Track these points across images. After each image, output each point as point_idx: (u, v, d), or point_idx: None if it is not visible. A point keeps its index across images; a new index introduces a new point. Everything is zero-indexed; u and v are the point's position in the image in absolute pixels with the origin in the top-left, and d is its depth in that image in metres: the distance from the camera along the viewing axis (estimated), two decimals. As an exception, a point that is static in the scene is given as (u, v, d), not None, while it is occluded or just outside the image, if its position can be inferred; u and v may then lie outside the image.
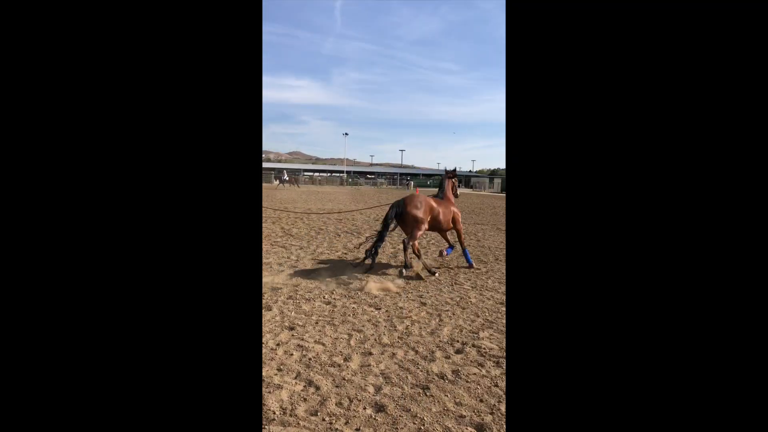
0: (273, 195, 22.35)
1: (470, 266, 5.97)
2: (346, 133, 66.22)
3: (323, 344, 3.17)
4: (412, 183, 49.34)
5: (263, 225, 10.04)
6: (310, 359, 2.91)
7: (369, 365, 2.85)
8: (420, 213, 5.25)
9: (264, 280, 4.93)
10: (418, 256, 5.36)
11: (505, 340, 3.36)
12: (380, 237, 5.32)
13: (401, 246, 6.86)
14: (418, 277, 5.19)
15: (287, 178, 34.86)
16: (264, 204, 15.45)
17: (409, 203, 5.33)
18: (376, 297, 4.42)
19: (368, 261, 5.44)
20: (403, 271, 5.21)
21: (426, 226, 5.36)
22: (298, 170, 70.35)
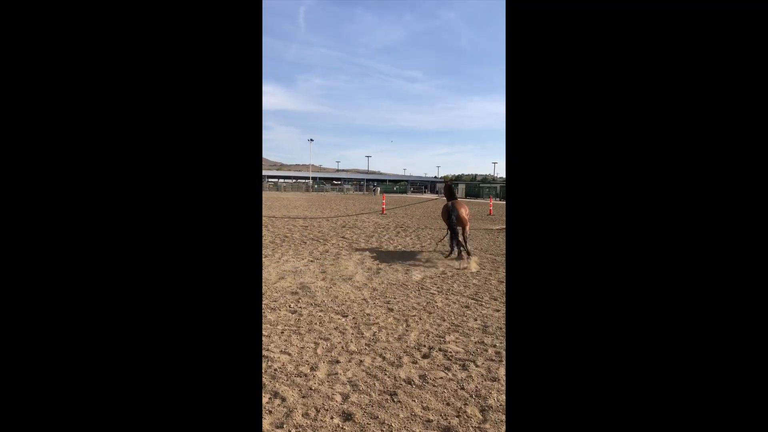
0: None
1: (466, 252, 7.07)
2: (311, 139, 65.79)
3: (289, 354, 3.12)
4: (379, 189, 49.60)
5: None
6: (275, 370, 2.85)
7: (336, 373, 2.83)
8: (466, 214, 6.95)
9: (226, 290, 4.80)
10: (465, 246, 6.94)
11: (469, 343, 3.43)
12: (454, 232, 6.85)
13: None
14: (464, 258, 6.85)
15: None
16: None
17: (459, 208, 6.90)
18: (343, 305, 4.40)
19: (456, 252, 7.09)
20: (461, 257, 6.86)
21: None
22: (264, 176, 69.07)
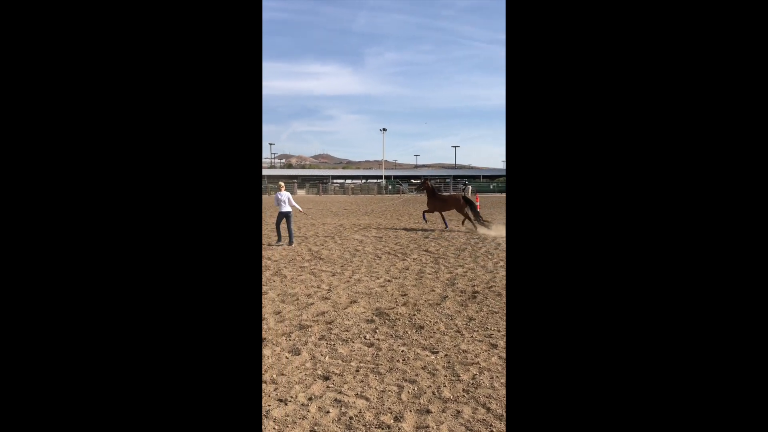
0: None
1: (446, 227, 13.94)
2: (384, 129, 66.97)
3: (367, 399, 3.15)
4: (470, 187, 49.02)
5: (285, 246, 10.26)
6: (351, 418, 2.89)
7: (427, 427, 2.79)
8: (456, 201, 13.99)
9: (289, 315, 5.01)
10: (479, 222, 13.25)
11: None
12: (475, 212, 13.41)
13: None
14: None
15: None
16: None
17: (466, 196, 14.02)
18: (431, 338, 4.36)
19: (484, 224, 13.11)
20: (482, 227, 12.99)
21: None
22: (326, 176, 71.85)
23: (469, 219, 13.30)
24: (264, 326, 4.65)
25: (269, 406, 3.03)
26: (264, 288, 6.31)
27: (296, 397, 3.16)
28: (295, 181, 61.49)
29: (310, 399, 3.14)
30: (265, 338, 4.30)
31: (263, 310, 5.24)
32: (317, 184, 60.88)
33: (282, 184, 11.07)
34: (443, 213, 14.38)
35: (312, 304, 5.50)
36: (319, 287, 6.35)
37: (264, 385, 3.33)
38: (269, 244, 10.52)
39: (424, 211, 14.87)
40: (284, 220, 10.40)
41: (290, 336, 4.38)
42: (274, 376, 3.50)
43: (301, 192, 55.85)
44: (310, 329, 4.57)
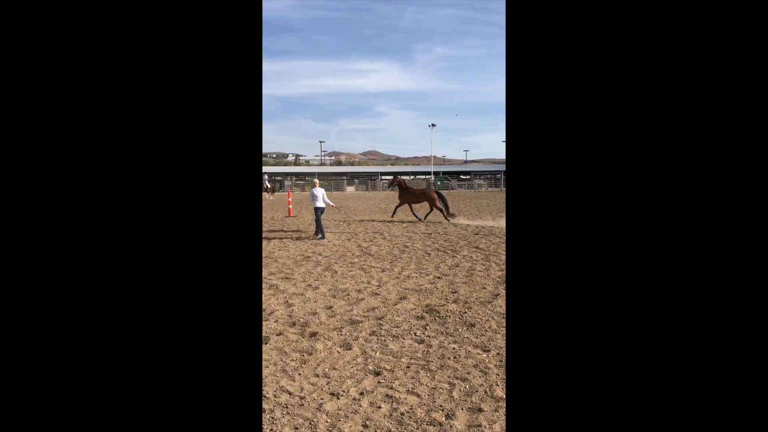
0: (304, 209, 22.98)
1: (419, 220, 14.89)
2: (433, 124, 66.52)
3: (418, 395, 3.15)
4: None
5: (335, 242, 10.41)
6: (402, 415, 2.90)
7: (479, 425, 2.76)
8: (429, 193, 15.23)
9: (340, 310, 5.08)
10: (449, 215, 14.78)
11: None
12: (446, 204, 14.82)
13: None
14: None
15: (268, 185, 32.84)
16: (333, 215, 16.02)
17: (430, 193, 15.19)
18: (482, 336, 4.31)
19: (451, 216, 14.84)
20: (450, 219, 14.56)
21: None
22: (375, 173, 72.12)
23: (441, 211, 14.80)
24: (316, 320, 4.74)
25: (322, 399, 3.09)
26: (315, 283, 6.43)
27: (348, 392, 3.20)
28: (344, 177, 62.12)
29: (361, 394, 3.17)
30: (317, 332, 4.39)
31: (315, 304, 5.35)
32: (366, 180, 61.29)
33: (317, 181, 11.80)
34: (413, 205, 15.82)
35: (362, 299, 5.55)
36: (369, 283, 6.40)
37: (316, 379, 3.40)
38: (311, 239, 10.70)
39: (396, 206, 16.09)
40: (317, 214, 10.92)
41: (341, 331, 4.44)
42: (327, 370, 3.56)
43: (350, 189, 56.34)
44: (360, 324, 4.62)
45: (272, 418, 2.86)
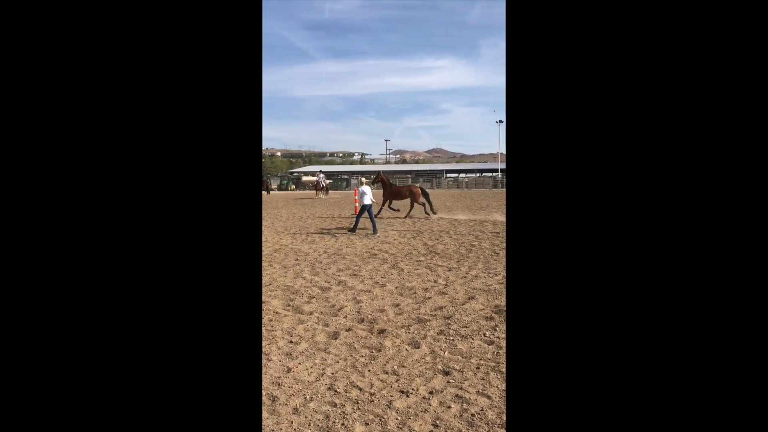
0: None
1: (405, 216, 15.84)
2: (501, 121, 64.94)
3: (488, 397, 3.09)
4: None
5: (401, 240, 10.44)
6: (473, 416, 2.86)
7: None
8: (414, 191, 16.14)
9: (408, 308, 5.09)
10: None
11: None
12: (429, 201, 15.70)
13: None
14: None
15: (324, 184, 32.15)
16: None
17: (413, 189, 16.07)
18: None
19: (433, 213, 15.80)
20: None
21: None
22: (439, 171, 71.66)
23: (423, 206, 15.70)
24: (384, 317, 4.78)
25: (391, 396, 3.11)
26: (382, 280, 6.48)
27: (417, 390, 3.20)
28: (409, 176, 62.17)
29: (431, 393, 3.16)
30: (385, 329, 4.42)
31: (382, 301, 5.39)
32: (431, 178, 61.03)
33: (364, 179, 12.75)
34: (393, 201, 16.53)
35: (429, 298, 5.53)
36: (435, 282, 6.37)
37: (385, 375, 3.43)
38: (368, 235, 10.78)
39: (382, 204, 16.41)
40: (367, 210, 11.64)
41: (409, 329, 4.44)
42: (395, 367, 3.58)
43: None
44: (428, 323, 4.60)
45: (343, 413, 2.91)
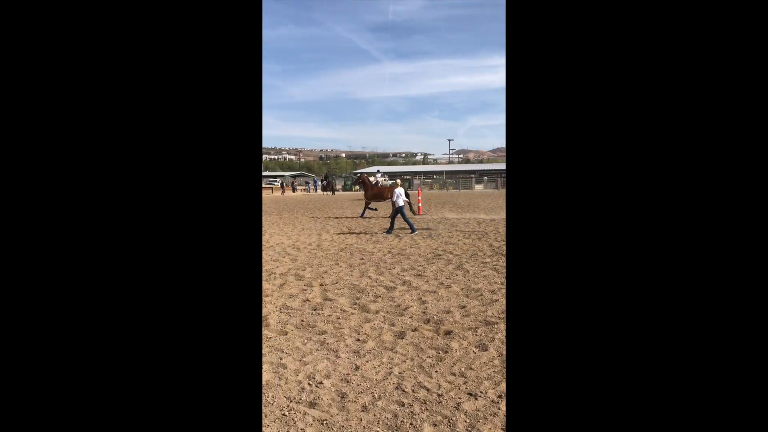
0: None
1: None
2: (568, 118, 62.51)
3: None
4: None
5: (465, 241, 10.31)
6: (545, 423, 2.77)
7: None
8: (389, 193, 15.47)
9: (474, 310, 5.02)
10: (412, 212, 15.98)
11: None
12: (408, 201, 14.14)
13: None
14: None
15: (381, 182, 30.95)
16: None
17: (393, 189, 13.08)
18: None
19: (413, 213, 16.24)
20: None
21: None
22: (504, 171, 70.02)
23: (410, 209, 15.95)
24: (450, 319, 4.74)
25: (459, 398, 3.08)
26: (448, 281, 6.43)
27: (486, 393, 3.14)
28: (473, 176, 61.25)
29: (500, 396, 3.10)
30: (451, 330, 4.38)
31: (448, 302, 5.35)
32: (495, 178, 59.76)
33: (398, 181, 13.39)
34: (374, 203, 17.41)
35: (496, 300, 5.42)
36: (502, 284, 6.23)
37: (453, 377, 3.40)
38: (421, 231, 10.69)
39: (365, 206, 17.43)
40: (400, 212, 11.98)
41: (476, 331, 4.38)
42: (463, 369, 3.54)
43: (478, 186, 55.35)
44: (496, 326, 4.51)
45: (411, 412, 2.92)
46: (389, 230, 12.07)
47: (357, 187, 23.69)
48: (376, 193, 16.99)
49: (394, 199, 12.19)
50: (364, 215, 17.27)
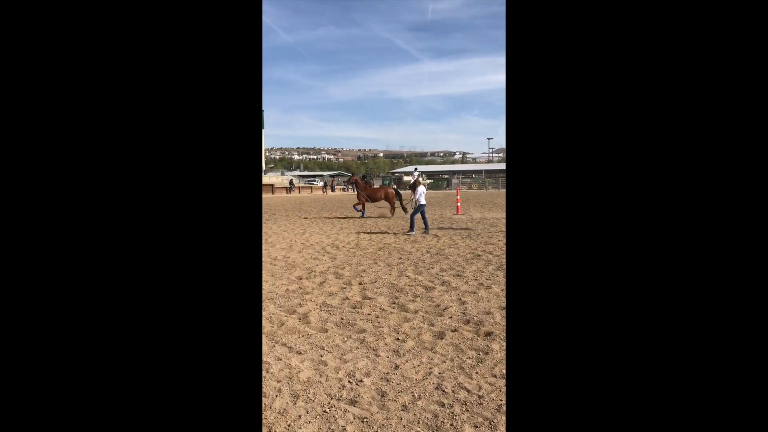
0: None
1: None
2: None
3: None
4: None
5: (498, 242, 10.15)
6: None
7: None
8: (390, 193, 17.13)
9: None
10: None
11: None
12: (400, 200, 16.75)
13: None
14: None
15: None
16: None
17: (396, 189, 17.04)
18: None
19: (404, 211, 16.40)
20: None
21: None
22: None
23: (402, 208, 16.32)
24: (490, 320, 4.68)
25: (500, 401, 3.03)
26: (488, 282, 6.35)
27: (528, 397, 3.08)
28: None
29: (542, 400, 3.03)
30: (492, 332, 4.32)
31: (488, 303, 5.28)
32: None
33: (420, 179, 13.20)
34: (367, 203, 17.39)
35: (538, 302, 5.30)
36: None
37: (494, 379, 3.35)
38: (451, 228, 10.55)
39: (354, 204, 17.87)
40: (420, 210, 12.05)
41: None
42: (504, 371, 3.49)
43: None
44: (538, 328, 4.41)
45: (452, 413, 2.89)
46: (425, 230, 12.05)
47: (395, 186, 23.87)
48: (369, 194, 17.06)
49: (416, 197, 12.21)
50: (364, 214, 17.30)
